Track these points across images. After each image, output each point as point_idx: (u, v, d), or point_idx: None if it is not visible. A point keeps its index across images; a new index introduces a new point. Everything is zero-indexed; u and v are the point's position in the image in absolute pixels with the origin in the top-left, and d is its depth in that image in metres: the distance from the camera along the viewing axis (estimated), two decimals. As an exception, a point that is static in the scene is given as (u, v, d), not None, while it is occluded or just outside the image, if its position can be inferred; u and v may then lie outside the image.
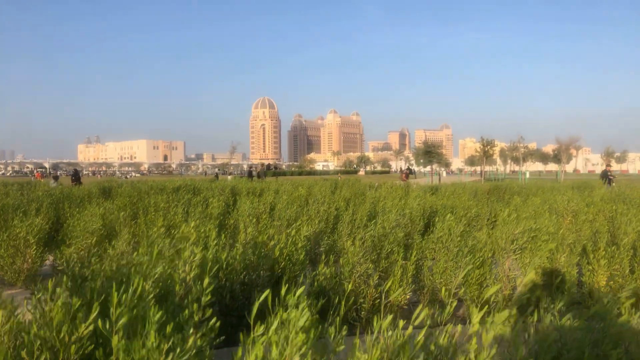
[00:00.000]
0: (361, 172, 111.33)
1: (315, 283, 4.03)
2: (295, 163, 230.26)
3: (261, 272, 4.14)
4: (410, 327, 1.73)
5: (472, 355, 1.65)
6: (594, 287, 4.77)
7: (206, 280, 2.12)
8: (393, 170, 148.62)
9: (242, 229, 5.73)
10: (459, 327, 1.85)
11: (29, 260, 5.46)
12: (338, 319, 1.98)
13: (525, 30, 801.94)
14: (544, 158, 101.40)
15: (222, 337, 2.27)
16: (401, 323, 1.76)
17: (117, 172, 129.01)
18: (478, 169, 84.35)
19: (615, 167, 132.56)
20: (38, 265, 5.68)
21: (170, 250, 3.49)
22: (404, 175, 37.58)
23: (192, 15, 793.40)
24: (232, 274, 3.98)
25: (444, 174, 77.84)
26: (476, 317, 1.82)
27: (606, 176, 22.08)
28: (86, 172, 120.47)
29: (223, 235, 4.89)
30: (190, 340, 1.79)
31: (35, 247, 5.51)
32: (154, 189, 12.21)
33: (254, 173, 40.78)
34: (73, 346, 1.85)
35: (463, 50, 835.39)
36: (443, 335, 1.82)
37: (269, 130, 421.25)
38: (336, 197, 10.00)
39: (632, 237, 5.30)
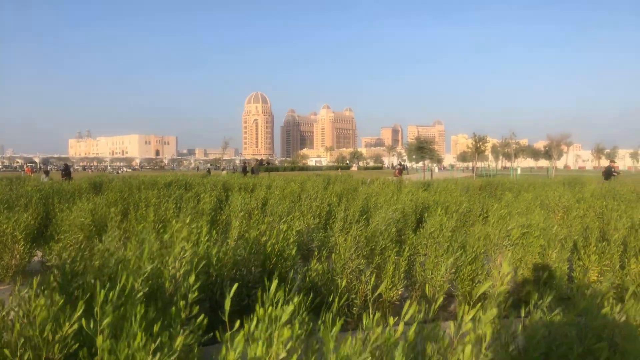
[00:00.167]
0: (354, 168, 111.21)
1: (307, 279, 4.02)
2: (288, 159, 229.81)
3: (252, 268, 4.11)
4: (402, 324, 1.71)
5: (460, 355, 1.63)
6: (584, 283, 4.79)
7: (192, 277, 2.09)
8: (386, 166, 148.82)
9: (233, 224, 5.69)
10: (451, 325, 1.84)
11: (17, 256, 5.39)
12: (330, 315, 1.96)
13: (518, 28, 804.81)
14: (535, 154, 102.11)
15: (210, 334, 2.24)
16: (391, 320, 1.74)
17: (109, 167, 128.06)
18: (470, 165, 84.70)
19: (605, 163, 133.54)
20: (26, 261, 5.61)
21: (160, 246, 3.46)
22: (397, 171, 37.61)
23: (184, 9, 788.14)
24: (222, 270, 3.95)
25: (436, 169, 78.04)
26: (466, 314, 1.80)
27: (610, 173, 21.36)
28: (77, 167, 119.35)
29: (215, 231, 4.85)
30: (178, 340, 1.76)
31: (23, 243, 5.44)
32: (145, 184, 12.12)
33: (248, 168, 40.62)
34: (57, 345, 1.81)
35: (457, 47, 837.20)
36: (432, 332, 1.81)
37: (261, 126, 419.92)
38: (329, 193, 9.98)
39: (622, 232, 5.33)
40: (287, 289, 2.31)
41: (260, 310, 1.71)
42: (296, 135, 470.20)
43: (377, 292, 3.74)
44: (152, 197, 8.32)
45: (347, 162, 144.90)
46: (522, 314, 2.44)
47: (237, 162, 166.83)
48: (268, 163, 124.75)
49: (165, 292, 2.58)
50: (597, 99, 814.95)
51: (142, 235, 3.78)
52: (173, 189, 10.99)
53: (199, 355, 2.02)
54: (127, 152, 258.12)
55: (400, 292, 4.44)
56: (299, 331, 1.69)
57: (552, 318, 2.44)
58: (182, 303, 1.99)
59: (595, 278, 4.77)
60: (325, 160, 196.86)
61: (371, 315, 1.82)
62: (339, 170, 51.08)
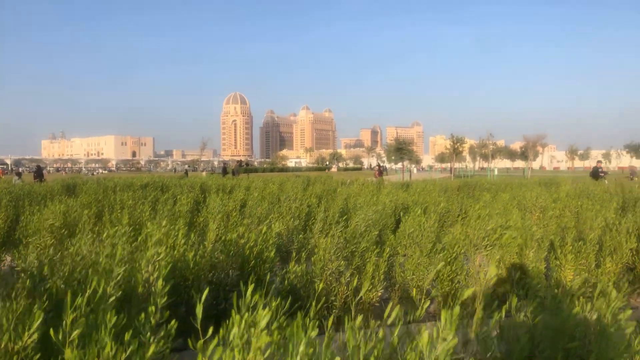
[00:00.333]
0: (334, 169, 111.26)
1: (286, 281, 3.95)
2: (267, 160, 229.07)
3: (230, 271, 4.03)
4: (382, 330, 1.67)
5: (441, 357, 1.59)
6: (560, 282, 4.84)
7: (160, 282, 2.00)
8: (365, 167, 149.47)
9: (211, 226, 5.58)
10: (434, 330, 1.80)
11: (-16, 261, 5.19)
12: (308, 320, 1.91)
13: (497, 31, 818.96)
14: (511, 155, 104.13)
15: (180, 340, 2.15)
16: (372, 324, 1.70)
17: (84, 169, 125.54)
18: (448, 165, 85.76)
19: (578, 164, 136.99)
20: (-6, 266, 5.40)
21: (134, 249, 3.35)
22: (377, 172, 37.77)
23: (161, 8, 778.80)
24: (199, 273, 3.86)
25: (415, 170, 78.77)
26: (447, 318, 1.77)
27: (597, 173, 21.15)
28: (50, 169, 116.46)
29: (192, 233, 4.74)
30: (151, 350, 1.68)
31: (-10, 247, 5.24)
32: (121, 186, 11.86)
33: (228, 170, 40.29)
34: (15, 356, 1.71)
35: (435, 49, 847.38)
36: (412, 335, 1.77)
37: (240, 127, 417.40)
38: (308, 194, 9.92)
39: (597, 232, 5.41)
40: (264, 293, 2.25)
41: (236, 317, 1.64)
42: (275, 136, 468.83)
43: (359, 295, 3.69)
44: (128, 199, 8.13)
45: (327, 163, 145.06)
46: (503, 314, 2.43)
47: (216, 163, 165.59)
48: (247, 164, 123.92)
49: (138, 297, 2.48)
50: (572, 101, 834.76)
51: (115, 238, 3.67)
52: (149, 190, 10.78)
53: (172, 362, 1.94)
54: (102, 154, 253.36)
55: (379, 294, 4.41)
56: (277, 337, 1.62)
57: (530, 319, 2.43)
58: (152, 308, 1.90)
59: (572, 277, 4.82)
60: (305, 161, 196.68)
61: (353, 318, 1.77)
62: (327, 170, 52.19)
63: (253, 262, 4.14)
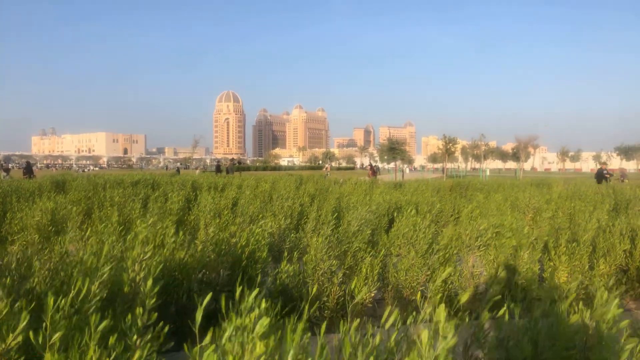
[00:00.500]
0: (327, 168, 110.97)
1: (278, 281, 3.88)
2: (260, 158, 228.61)
3: (221, 270, 3.95)
4: (379, 334, 1.60)
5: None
6: (554, 284, 4.81)
7: (149, 282, 1.93)
8: (358, 166, 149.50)
9: (202, 225, 5.50)
10: (426, 332, 1.74)
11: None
12: (300, 323, 1.84)
13: (489, 32, 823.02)
14: (503, 156, 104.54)
15: (171, 344, 2.08)
16: (369, 328, 1.64)
17: (74, 166, 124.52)
18: (440, 166, 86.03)
19: (569, 165, 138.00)
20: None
21: (122, 248, 3.26)
22: (371, 171, 37.74)
23: (153, 7, 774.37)
24: (190, 272, 3.78)
25: (407, 170, 78.96)
26: (443, 320, 1.71)
27: (602, 175, 20.47)
28: (40, 165, 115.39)
29: (182, 232, 4.66)
30: (136, 355, 1.60)
31: (-25, 244, 5.11)
32: (111, 183, 11.72)
33: (222, 168, 40.00)
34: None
35: (428, 49, 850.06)
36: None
37: (233, 125, 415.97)
38: (301, 193, 9.85)
39: (591, 234, 5.39)
40: (257, 294, 2.18)
41: (233, 319, 1.56)
42: (268, 135, 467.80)
43: (353, 297, 3.63)
44: (117, 196, 8.01)
45: (320, 162, 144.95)
46: (487, 316, 2.37)
47: (208, 161, 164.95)
48: (240, 162, 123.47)
49: (124, 297, 2.40)
50: (563, 103, 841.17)
51: (103, 236, 3.58)
52: (140, 188, 10.65)
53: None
54: (94, 150, 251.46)
55: (373, 295, 4.35)
56: (272, 343, 1.55)
57: (528, 323, 2.38)
58: (139, 310, 1.82)
59: (565, 278, 4.80)
60: (298, 160, 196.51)
61: (349, 321, 1.71)
62: (325, 169, 52.87)
63: (245, 261, 4.07)
